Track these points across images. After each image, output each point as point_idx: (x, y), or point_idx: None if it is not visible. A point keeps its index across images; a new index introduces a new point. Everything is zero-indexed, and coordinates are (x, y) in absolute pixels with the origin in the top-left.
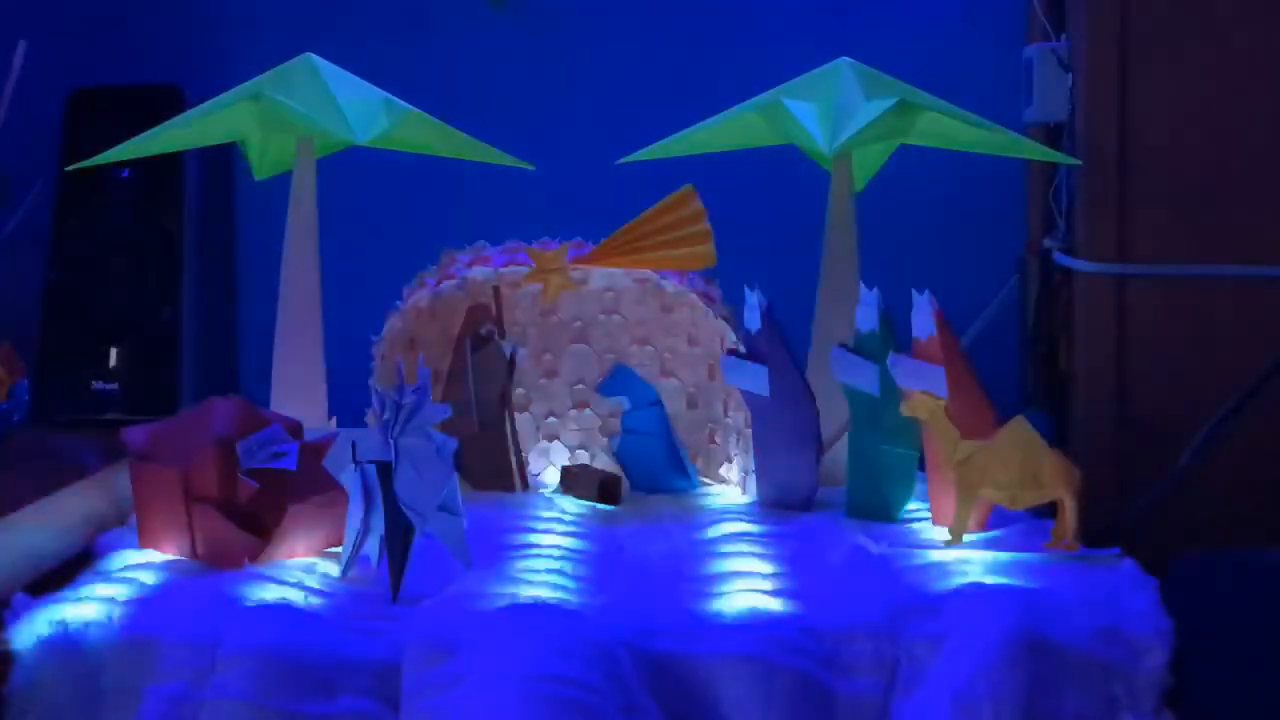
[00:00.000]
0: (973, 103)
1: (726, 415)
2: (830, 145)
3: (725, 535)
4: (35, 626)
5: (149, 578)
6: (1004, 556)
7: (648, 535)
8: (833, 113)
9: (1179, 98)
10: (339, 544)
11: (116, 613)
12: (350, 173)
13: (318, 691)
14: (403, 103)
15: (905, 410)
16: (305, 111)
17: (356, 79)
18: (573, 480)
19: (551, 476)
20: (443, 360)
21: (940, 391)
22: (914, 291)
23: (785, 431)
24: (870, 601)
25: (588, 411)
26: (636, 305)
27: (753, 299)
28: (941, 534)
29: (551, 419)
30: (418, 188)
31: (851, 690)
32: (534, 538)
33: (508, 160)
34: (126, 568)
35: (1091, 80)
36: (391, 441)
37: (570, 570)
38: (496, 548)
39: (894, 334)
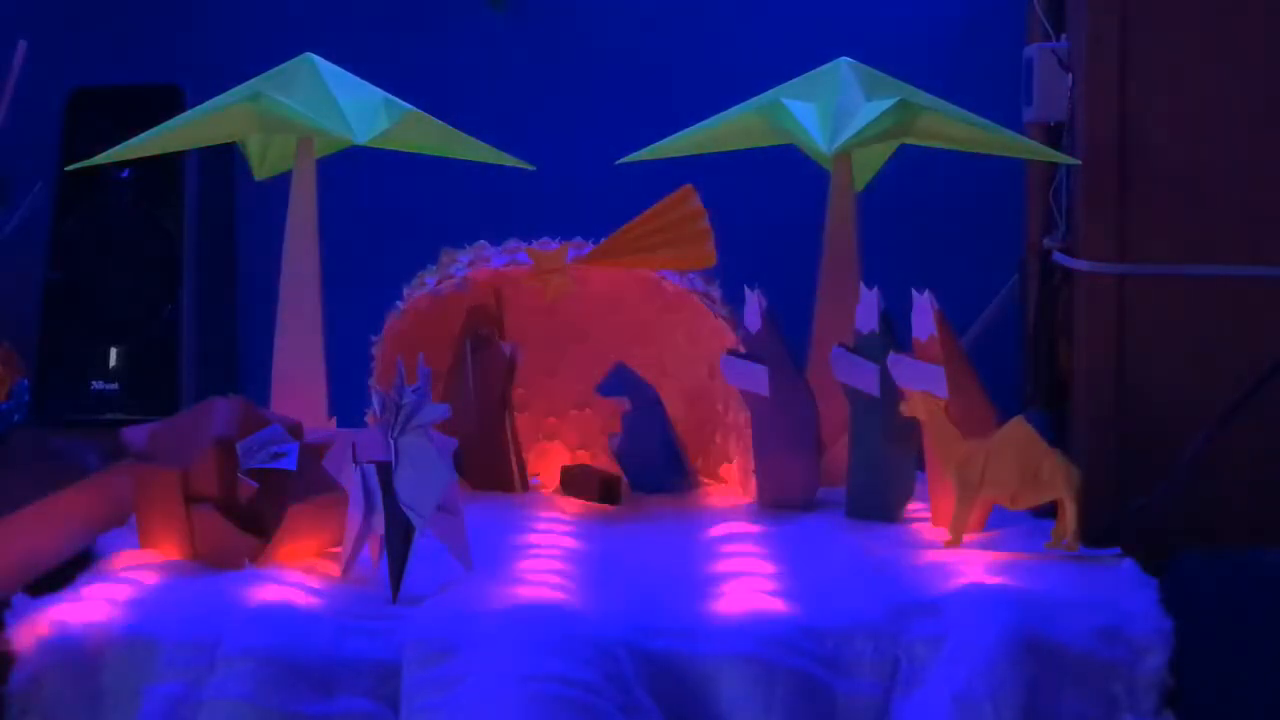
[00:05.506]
0: (973, 103)
1: (726, 415)
2: (830, 145)
3: (725, 535)
4: (35, 626)
5: (149, 578)
6: (1004, 556)
7: (648, 535)
8: (833, 113)
9: (1179, 98)
10: (339, 544)
11: (116, 613)
12: (350, 173)
13: (318, 691)
14: (403, 103)
15: (905, 410)
16: (305, 111)
17: (356, 79)
18: (573, 480)
19: (551, 476)
20: (443, 360)
21: (940, 391)
22: (914, 291)
23: (785, 431)
24: (870, 601)
25: (588, 411)
26: (636, 305)
27: (753, 299)
28: (941, 534)
29: (551, 419)
30: (418, 188)
31: (851, 690)
32: (534, 538)
33: (508, 160)
34: (126, 568)
35: (1091, 80)
36: (391, 441)
37: (570, 570)
38: (496, 548)
39: (894, 334)
